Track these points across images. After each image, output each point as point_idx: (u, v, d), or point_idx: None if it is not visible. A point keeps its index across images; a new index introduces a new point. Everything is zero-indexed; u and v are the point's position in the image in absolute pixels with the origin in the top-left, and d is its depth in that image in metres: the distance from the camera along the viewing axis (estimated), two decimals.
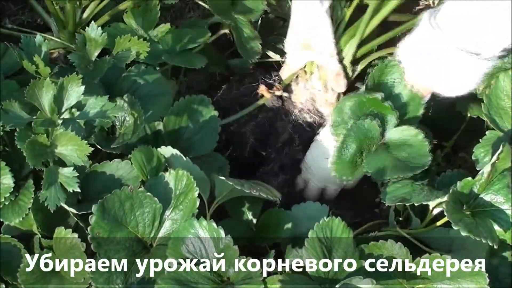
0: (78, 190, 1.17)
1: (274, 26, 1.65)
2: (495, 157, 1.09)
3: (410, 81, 1.26)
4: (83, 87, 1.19)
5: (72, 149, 1.19)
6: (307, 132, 1.48)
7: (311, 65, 1.42)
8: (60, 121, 1.19)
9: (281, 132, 1.48)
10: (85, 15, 1.53)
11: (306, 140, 1.47)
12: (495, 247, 1.06)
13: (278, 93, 1.49)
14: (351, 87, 1.44)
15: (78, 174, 1.18)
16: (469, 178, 1.12)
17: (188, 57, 1.49)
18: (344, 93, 1.43)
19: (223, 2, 1.48)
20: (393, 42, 1.35)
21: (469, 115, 1.37)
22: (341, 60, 1.39)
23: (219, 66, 1.61)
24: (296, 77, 1.47)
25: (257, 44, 1.52)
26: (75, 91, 1.19)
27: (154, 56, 1.41)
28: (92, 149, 1.19)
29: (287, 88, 1.49)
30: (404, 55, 1.23)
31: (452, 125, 1.45)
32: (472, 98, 1.35)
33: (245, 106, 1.51)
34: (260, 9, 1.52)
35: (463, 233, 1.04)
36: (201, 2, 1.56)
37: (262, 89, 1.49)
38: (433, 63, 1.16)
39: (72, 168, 1.18)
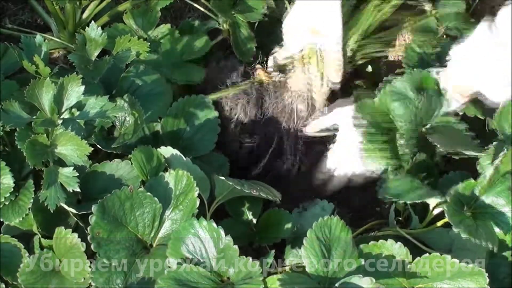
0: (78, 189, 1.17)
1: (271, 30, 1.65)
2: (498, 160, 1.09)
3: (452, 84, 1.27)
4: (83, 87, 1.19)
5: (72, 149, 1.19)
6: (302, 119, 1.48)
7: (312, 51, 1.40)
8: (60, 121, 1.19)
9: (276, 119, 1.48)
10: (85, 15, 1.54)
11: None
12: (495, 250, 1.06)
13: (276, 77, 1.48)
14: (346, 84, 1.45)
15: (78, 174, 1.18)
16: (471, 180, 1.12)
17: (187, 70, 1.49)
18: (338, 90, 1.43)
19: (225, 1, 1.48)
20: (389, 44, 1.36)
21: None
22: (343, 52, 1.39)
23: None
24: (291, 63, 1.46)
25: (252, 45, 1.52)
26: (75, 91, 1.19)
27: (154, 68, 1.43)
28: (92, 148, 1.19)
29: (282, 72, 1.48)
30: (457, 56, 1.25)
31: None
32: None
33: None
34: (260, 9, 1.52)
35: (463, 236, 1.05)
36: (198, 6, 1.56)
37: (259, 72, 1.47)
38: (485, 67, 1.19)
39: (72, 167, 1.18)
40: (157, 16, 1.51)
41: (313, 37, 1.36)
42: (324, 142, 1.48)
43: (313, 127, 1.46)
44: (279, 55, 1.45)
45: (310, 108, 1.46)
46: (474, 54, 1.21)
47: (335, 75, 1.41)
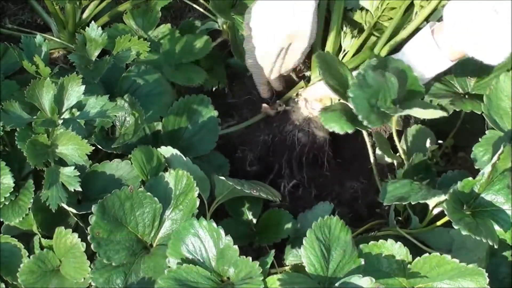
0: (80, 189, 1.17)
1: None
2: (495, 157, 1.09)
3: (446, 42, 1.24)
4: (83, 87, 1.19)
5: (73, 148, 1.19)
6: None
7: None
8: (60, 121, 1.19)
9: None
10: (85, 15, 1.54)
11: None
12: (495, 246, 1.06)
13: (280, 109, 1.49)
14: None
15: (79, 173, 1.18)
16: (470, 178, 1.12)
17: (188, 72, 1.49)
18: None
19: (224, 2, 1.48)
20: None
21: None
22: None
23: (219, 78, 1.61)
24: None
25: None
26: (75, 91, 1.19)
27: (155, 67, 1.43)
28: (93, 148, 1.19)
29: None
30: (450, 14, 1.19)
31: (450, 125, 1.46)
32: (465, 94, 1.37)
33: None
34: None
35: (463, 232, 1.04)
36: (197, 6, 1.56)
37: (265, 109, 1.49)
38: (478, 25, 1.14)
39: (73, 167, 1.18)
40: (157, 16, 1.51)
41: (287, 40, 1.34)
42: None
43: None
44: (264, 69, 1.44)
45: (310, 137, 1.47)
46: (467, 12, 1.16)
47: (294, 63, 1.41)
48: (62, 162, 1.22)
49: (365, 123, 1.12)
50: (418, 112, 1.16)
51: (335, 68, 1.27)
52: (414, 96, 1.24)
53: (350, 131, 1.18)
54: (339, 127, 1.18)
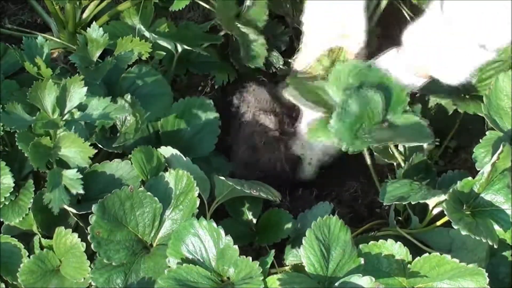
0: (82, 192, 1.17)
1: (276, 30, 1.65)
2: (495, 157, 1.09)
3: (409, 64, 1.26)
4: (85, 89, 1.19)
5: (75, 151, 1.19)
6: None
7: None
8: (63, 123, 1.19)
9: None
10: (85, 15, 1.54)
11: None
12: (495, 246, 1.06)
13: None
14: None
15: (82, 176, 1.18)
16: (469, 178, 1.12)
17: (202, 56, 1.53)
18: None
19: (228, 15, 1.49)
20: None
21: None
22: None
23: (229, 73, 1.62)
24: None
25: (263, 50, 1.52)
26: (77, 93, 1.19)
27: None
28: (96, 151, 1.19)
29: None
30: (410, 37, 1.23)
31: (449, 124, 1.46)
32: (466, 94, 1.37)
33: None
34: (262, 19, 1.53)
35: (463, 232, 1.04)
36: (201, 2, 1.57)
37: None
38: (437, 47, 1.17)
39: (76, 170, 1.18)
40: (152, 11, 1.53)
41: (339, 39, 1.35)
42: None
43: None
44: (298, 63, 1.45)
45: None
46: (426, 35, 1.19)
47: None
48: (63, 164, 1.22)
49: (350, 150, 1.17)
50: (401, 142, 1.18)
51: (309, 85, 1.29)
52: (399, 106, 1.25)
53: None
54: (326, 137, 1.19)
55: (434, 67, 1.21)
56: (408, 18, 1.58)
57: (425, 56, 1.20)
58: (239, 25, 1.49)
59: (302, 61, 1.44)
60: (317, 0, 1.36)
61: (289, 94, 1.31)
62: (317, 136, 1.21)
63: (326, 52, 1.38)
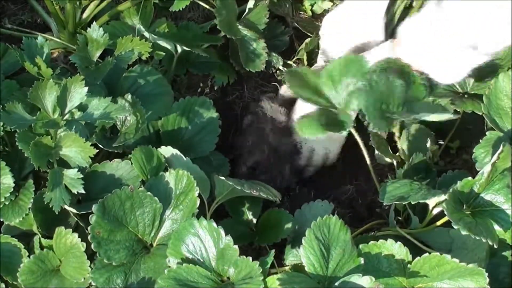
0: (83, 191, 1.17)
1: (276, 30, 1.66)
2: (495, 157, 1.09)
3: (403, 58, 1.25)
4: (86, 88, 1.19)
5: (76, 150, 1.19)
6: None
7: None
8: (63, 123, 1.19)
9: None
10: (85, 15, 1.54)
11: None
12: (495, 246, 1.06)
13: None
14: None
15: (82, 176, 1.18)
16: (469, 178, 1.12)
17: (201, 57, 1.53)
18: None
19: (229, 19, 1.49)
20: None
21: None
22: None
23: (229, 74, 1.62)
24: None
25: (263, 54, 1.52)
26: (78, 92, 1.19)
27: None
28: (97, 151, 1.19)
29: None
30: (406, 33, 1.23)
31: (450, 125, 1.46)
32: (464, 93, 1.37)
33: None
34: (263, 21, 1.53)
35: (463, 232, 1.04)
36: (201, 3, 1.57)
37: None
38: (432, 46, 1.17)
39: (76, 169, 1.18)
40: (151, 11, 1.53)
41: (358, 43, 1.35)
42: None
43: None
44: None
45: None
46: (422, 31, 1.19)
47: None
48: (63, 163, 1.22)
49: (375, 130, 1.13)
50: (425, 116, 1.17)
51: (306, 79, 1.28)
52: (417, 97, 1.24)
53: (322, 136, 1.19)
54: (310, 133, 1.19)
55: (428, 65, 1.21)
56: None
57: (420, 52, 1.20)
58: (240, 27, 1.49)
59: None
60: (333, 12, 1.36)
61: (288, 87, 1.31)
62: (303, 130, 1.21)
63: None
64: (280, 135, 1.47)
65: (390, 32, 1.36)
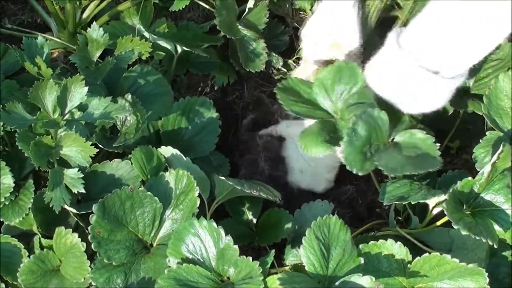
0: (83, 191, 1.17)
1: (276, 30, 1.66)
2: (495, 157, 1.09)
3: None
4: (86, 88, 1.19)
5: (77, 150, 1.19)
6: None
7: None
8: (63, 122, 1.19)
9: None
10: (85, 15, 1.54)
11: None
12: (495, 246, 1.06)
13: None
14: None
15: (83, 175, 1.18)
16: (469, 178, 1.12)
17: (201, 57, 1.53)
18: None
19: (229, 19, 1.49)
20: None
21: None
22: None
23: (229, 74, 1.63)
24: None
25: (263, 54, 1.52)
26: (78, 92, 1.19)
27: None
28: (97, 150, 1.19)
29: None
30: (371, 74, 1.24)
31: (450, 125, 1.46)
32: (464, 93, 1.37)
33: None
34: (263, 21, 1.53)
35: (463, 232, 1.04)
36: (201, 3, 1.57)
37: None
38: (398, 81, 1.19)
39: (77, 169, 1.19)
40: (151, 11, 1.54)
41: (334, 51, 1.35)
42: None
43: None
44: (297, 75, 1.45)
45: None
46: (385, 70, 1.21)
47: None
48: (64, 163, 1.22)
49: (360, 173, 1.16)
50: (410, 170, 1.17)
51: (299, 93, 1.30)
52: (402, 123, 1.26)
53: (328, 152, 1.21)
54: (317, 152, 1.21)
55: (399, 100, 1.22)
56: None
57: (388, 90, 1.22)
58: (240, 27, 1.49)
59: (301, 75, 1.43)
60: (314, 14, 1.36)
61: (283, 106, 1.31)
62: (312, 149, 1.22)
63: (322, 65, 1.38)
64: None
65: (367, 35, 1.37)
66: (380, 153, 1.18)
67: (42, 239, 1.24)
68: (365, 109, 1.18)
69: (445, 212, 1.07)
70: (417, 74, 1.14)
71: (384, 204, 1.21)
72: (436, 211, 1.19)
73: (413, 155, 1.19)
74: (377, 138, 1.19)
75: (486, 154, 1.23)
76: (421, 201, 1.13)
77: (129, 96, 1.30)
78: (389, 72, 1.20)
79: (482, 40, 1.07)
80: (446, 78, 1.14)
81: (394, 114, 1.24)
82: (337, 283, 1.05)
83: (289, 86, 1.31)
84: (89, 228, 1.13)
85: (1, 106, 1.20)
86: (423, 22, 1.12)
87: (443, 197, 1.11)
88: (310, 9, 1.71)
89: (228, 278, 1.10)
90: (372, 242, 1.13)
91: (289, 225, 1.30)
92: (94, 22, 1.34)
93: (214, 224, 1.10)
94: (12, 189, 1.22)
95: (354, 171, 1.15)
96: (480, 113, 1.28)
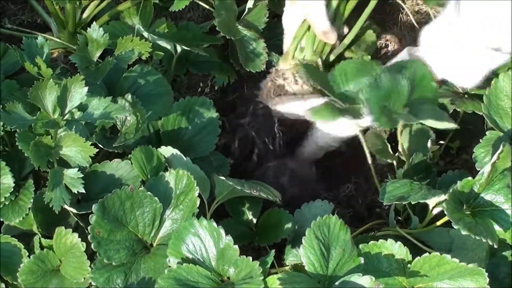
0: (83, 191, 1.17)
1: (276, 30, 1.65)
2: (495, 157, 1.09)
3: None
4: (86, 88, 1.19)
5: (76, 150, 1.19)
6: None
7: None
8: (63, 122, 1.19)
9: None
10: (85, 15, 1.54)
11: None
12: (495, 246, 1.06)
13: None
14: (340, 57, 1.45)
15: (82, 175, 1.18)
16: (470, 178, 1.12)
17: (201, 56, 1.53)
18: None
19: (228, 20, 1.49)
20: None
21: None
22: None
23: (229, 74, 1.63)
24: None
25: (263, 54, 1.52)
26: (78, 92, 1.19)
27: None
28: (97, 150, 1.19)
29: None
30: (426, 38, 1.23)
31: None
32: (464, 93, 1.37)
33: None
34: (263, 21, 1.53)
35: (463, 232, 1.04)
36: (201, 3, 1.57)
37: None
38: (451, 49, 1.16)
39: (77, 169, 1.19)
40: (151, 11, 1.53)
41: (293, 8, 1.36)
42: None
43: (286, 108, 1.46)
44: (285, 44, 1.45)
45: None
46: (441, 37, 1.19)
47: (327, 41, 1.40)
48: (63, 163, 1.22)
49: (375, 124, 1.15)
50: (431, 123, 1.17)
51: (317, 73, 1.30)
52: (426, 101, 1.24)
53: (334, 120, 1.21)
54: (331, 117, 1.21)
55: (448, 70, 1.20)
56: (411, 18, 1.59)
57: (440, 57, 1.20)
58: (239, 27, 1.49)
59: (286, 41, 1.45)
60: None
61: (301, 77, 1.31)
62: (321, 115, 1.21)
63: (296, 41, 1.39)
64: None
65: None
66: (398, 114, 1.18)
67: (42, 239, 1.24)
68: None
69: (445, 212, 1.07)
70: (471, 44, 1.13)
71: (384, 204, 1.21)
72: (436, 211, 1.19)
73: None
74: (395, 100, 1.18)
75: (486, 154, 1.22)
76: (421, 201, 1.13)
77: (129, 96, 1.30)
78: (443, 40, 1.18)
79: None
80: (503, 52, 1.11)
81: None
82: (337, 283, 1.05)
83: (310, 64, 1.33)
84: (89, 228, 1.13)
85: (1, 106, 1.20)
86: None
87: (443, 197, 1.11)
88: None
89: (228, 278, 1.10)
90: (372, 242, 1.13)
91: (289, 225, 1.30)
92: (94, 22, 1.34)
93: (214, 224, 1.10)
94: (12, 189, 1.22)
95: (372, 118, 1.15)
96: (480, 113, 1.28)
